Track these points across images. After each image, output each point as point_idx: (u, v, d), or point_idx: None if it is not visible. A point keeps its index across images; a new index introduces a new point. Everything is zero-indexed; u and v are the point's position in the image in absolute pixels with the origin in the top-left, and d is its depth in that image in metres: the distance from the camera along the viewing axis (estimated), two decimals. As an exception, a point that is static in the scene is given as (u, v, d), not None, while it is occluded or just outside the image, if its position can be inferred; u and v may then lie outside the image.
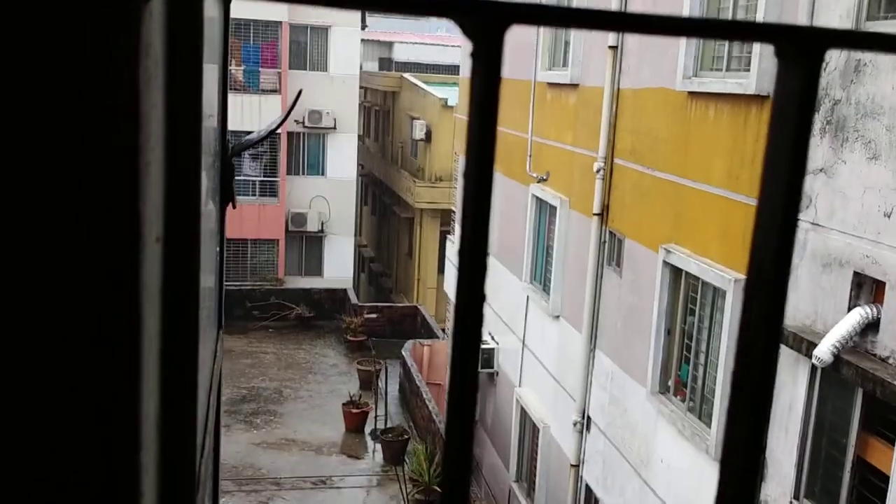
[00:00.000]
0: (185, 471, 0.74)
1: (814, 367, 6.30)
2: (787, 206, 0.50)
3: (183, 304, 0.63)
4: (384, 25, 43.79)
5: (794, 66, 0.49)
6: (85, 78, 0.42)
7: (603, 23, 0.47)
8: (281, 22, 25.05)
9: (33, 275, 0.44)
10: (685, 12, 8.36)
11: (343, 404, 17.67)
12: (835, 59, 6.33)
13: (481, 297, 0.48)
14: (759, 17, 7.17)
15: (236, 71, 25.03)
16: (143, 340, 0.49)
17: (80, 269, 0.44)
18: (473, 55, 0.48)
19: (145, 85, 0.46)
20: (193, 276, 0.67)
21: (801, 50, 0.49)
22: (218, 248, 1.55)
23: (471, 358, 0.50)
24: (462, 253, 0.48)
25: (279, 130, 25.00)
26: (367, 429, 17.53)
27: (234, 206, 1.62)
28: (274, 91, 25.21)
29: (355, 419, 17.46)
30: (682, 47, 8.39)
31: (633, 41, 9.73)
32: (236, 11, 25.44)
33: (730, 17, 7.90)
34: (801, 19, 6.62)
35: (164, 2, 0.54)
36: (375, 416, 17.36)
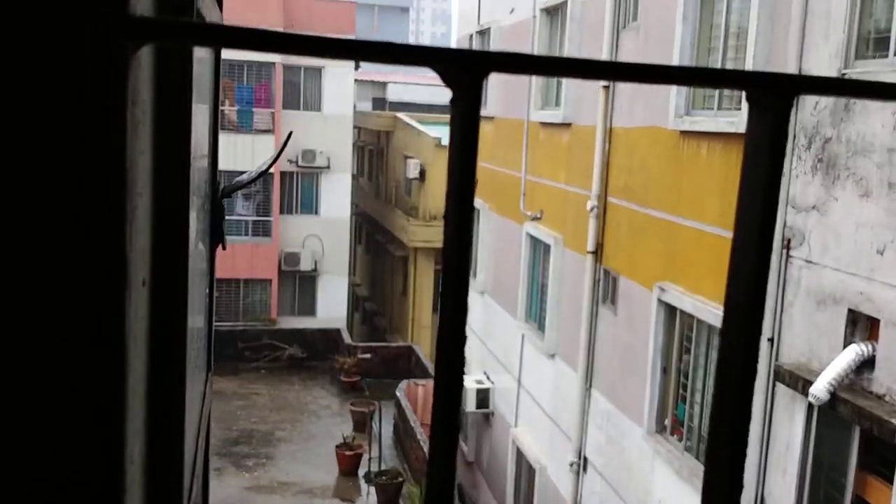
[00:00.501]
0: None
1: (810, 406, 6.28)
2: (760, 247, 0.52)
3: (170, 348, 0.64)
4: (378, 66, 44.27)
5: (763, 111, 0.50)
6: (72, 125, 0.43)
7: (577, 71, 0.48)
8: (274, 63, 25.31)
9: (15, 317, 0.44)
10: (675, 53, 8.49)
11: (336, 446, 17.48)
12: (824, 97, 6.43)
13: (462, 336, 0.49)
14: (749, 56, 7.28)
15: (230, 111, 25.22)
16: (128, 384, 0.49)
17: (64, 311, 0.45)
18: (452, 102, 0.49)
19: (132, 132, 0.47)
20: (181, 319, 0.67)
21: (771, 96, 0.51)
22: (207, 290, 1.56)
23: (453, 404, 0.50)
24: (444, 295, 0.48)
25: (272, 170, 25.11)
26: (361, 471, 17.32)
27: (223, 248, 1.62)
28: (268, 131, 25.37)
29: (349, 462, 17.26)
30: (674, 87, 8.50)
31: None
32: (230, 53, 25.74)
33: (720, 55, 8.02)
34: (791, 58, 6.73)
35: (153, 52, 0.56)
36: (369, 459, 17.16)
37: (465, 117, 0.48)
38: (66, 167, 0.43)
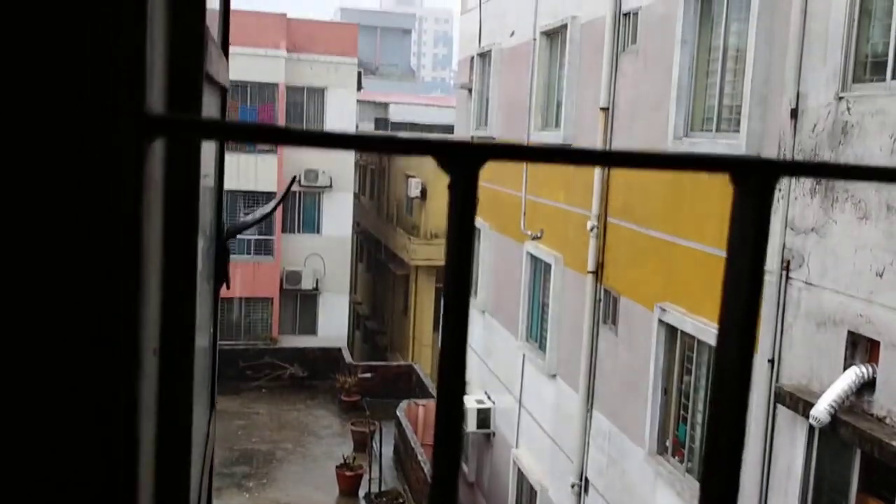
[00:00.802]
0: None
1: (811, 428, 6.27)
2: (745, 324, 0.54)
3: (177, 414, 0.66)
4: (380, 87, 44.53)
5: (748, 194, 0.53)
6: (89, 210, 0.45)
7: (571, 158, 0.50)
8: (278, 84, 25.46)
9: (31, 395, 0.46)
10: (674, 76, 8.54)
11: (337, 467, 17.41)
12: (822, 120, 6.47)
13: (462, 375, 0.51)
14: (747, 79, 7.33)
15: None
16: (140, 453, 0.52)
17: (77, 386, 0.47)
18: (450, 187, 0.51)
19: (147, 215, 0.49)
20: (187, 381, 0.69)
21: (754, 179, 0.53)
22: (212, 330, 1.58)
23: (454, 428, 0.52)
24: (441, 376, 0.50)
25: (274, 188, 25.18)
26: (362, 492, 17.24)
27: (227, 287, 1.64)
28: (270, 151, 25.47)
29: (349, 482, 17.18)
30: (673, 107, 8.56)
31: (624, 102, 9.92)
32: (232, 73, 25.82)
33: (718, 77, 8.07)
34: (789, 81, 6.78)
35: (166, 140, 0.58)
36: (370, 479, 17.09)
37: (463, 202, 0.50)
38: (83, 253, 0.46)
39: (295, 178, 3.23)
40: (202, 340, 1.31)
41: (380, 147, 0.49)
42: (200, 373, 1.21)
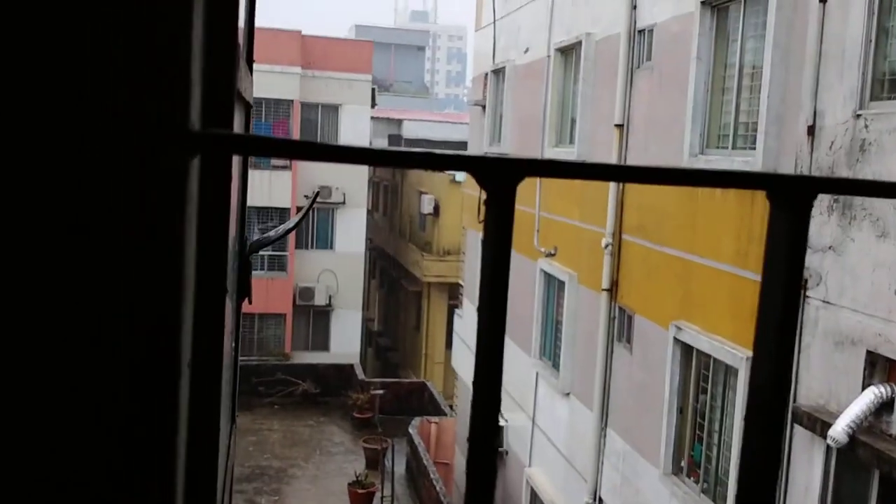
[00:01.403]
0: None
1: (829, 448, 6.20)
2: (781, 344, 0.53)
3: (206, 427, 0.66)
4: (394, 103, 44.75)
5: (784, 210, 0.53)
6: (136, 225, 0.46)
7: (607, 175, 0.51)
8: (293, 100, 25.63)
9: (81, 407, 0.47)
10: (690, 93, 8.54)
11: (349, 484, 17.35)
12: (839, 137, 6.44)
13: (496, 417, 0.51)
14: (763, 96, 7.32)
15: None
16: (177, 466, 0.52)
17: (121, 398, 0.47)
18: (487, 202, 0.52)
19: (188, 229, 0.50)
20: (216, 397, 0.70)
21: (791, 196, 0.53)
22: (234, 344, 1.58)
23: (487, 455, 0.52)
24: (476, 389, 0.50)
25: (288, 205, 25.29)
26: (374, 509, 17.16)
27: (250, 302, 1.65)
28: (285, 167, 25.61)
29: (361, 500, 17.11)
30: (688, 125, 8.55)
31: (639, 119, 9.92)
32: (250, 91, 25.85)
33: (734, 95, 8.06)
34: (805, 98, 6.76)
35: (202, 156, 0.59)
36: (382, 497, 17.01)
37: (500, 217, 0.51)
38: (129, 269, 0.46)
39: (318, 192, 3.25)
40: (226, 356, 1.32)
41: (417, 163, 0.50)
42: (224, 387, 1.22)
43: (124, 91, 0.45)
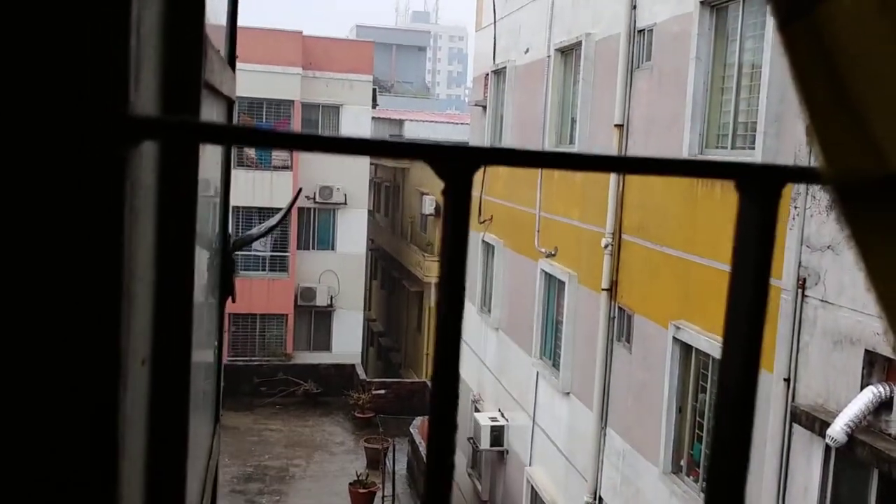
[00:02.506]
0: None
1: (828, 447, 6.18)
2: (750, 338, 0.52)
3: (171, 426, 0.65)
4: (395, 104, 44.76)
5: (753, 200, 0.51)
6: (69, 221, 0.44)
7: (567, 164, 0.49)
8: (293, 101, 25.62)
9: (8, 399, 0.45)
10: (689, 93, 8.52)
11: (350, 484, 17.35)
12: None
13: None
14: (763, 95, 7.30)
15: (249, 148, 25.49)
16: (123, 464, 0.50)
17: (57, 397, 0.46)
18: (444, 193, 0.50)
19: (133, 221, 0.48)
20: (182, 396, 0.68)
21: (759, 185, 0.51)
22: (216, 343, 1.57)
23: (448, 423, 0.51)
24: (434, 384, 0.49)
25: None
26: (375, 509, 17.15)
27: (233, 301, 1.64)
28: (285, 168, 25.61)
29: (362, 499, 17.11)
30: (688, 124, 8.53)
31: (638, 118, 9.90)
32: (249, 90, 25.89)
33: (733, 94, 8.04)
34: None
35: (161, 146, 0.57)
36: (383, 497, 17.01)
37: (456, 208, 0.49)
38: (63, 262, 0.45)
39: (300, 190, 3.24)
40: (205, 354, 1.30)
41: (371, 150, 0.48)
42: (202, 386, 1.20)
43: (53, 73, 0.43)
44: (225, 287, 1.50)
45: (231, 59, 1.60)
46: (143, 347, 0.57)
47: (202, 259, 1.22)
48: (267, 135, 0.45)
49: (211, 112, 1.19)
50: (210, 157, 1.33)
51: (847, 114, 0.49)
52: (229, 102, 1.51)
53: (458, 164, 0.48)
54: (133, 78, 0.45)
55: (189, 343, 0.70)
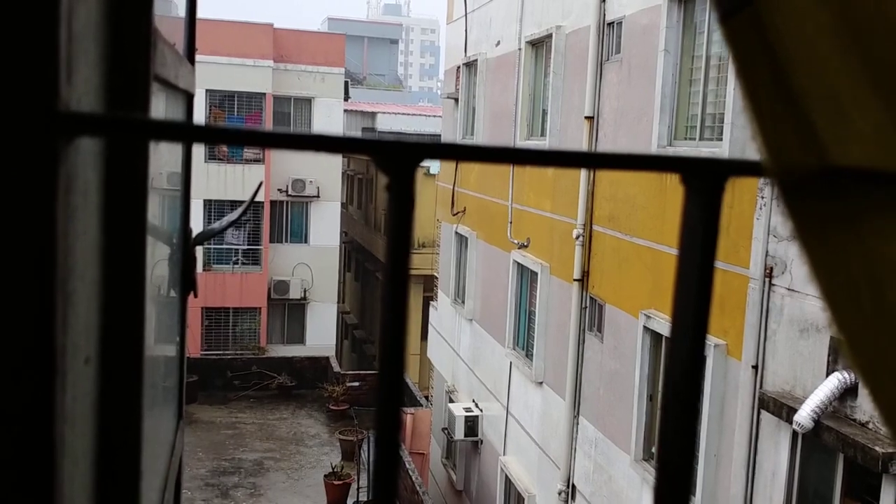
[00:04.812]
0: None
1: (795, 433, 6.28)
2: (696, 327, 0.52)
3: (122, 424, 0.64)
4: (368, 96, 44.57)
5: (697, 194, 0.52)
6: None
7: (505, 158, 0.49)
8: (265, 93, 25.42)
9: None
10: (658, 85, 8.58)
11: (325, 476, 17.33)
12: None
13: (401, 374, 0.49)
14: (730, 87, 7.36)
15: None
16: (63, 469, 0.49)
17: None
18: (388, 188, 0.50)
19: (67, 219, 0.47)
20: (133, 391, 0.67)
21: (704, 179, 0.52)
22: (178, 338, 1.55)
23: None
24: (379, 381, 0.49)
25: (262, 199, 25.12)
26: (350, 501, 17.16)
27: (195, 296, 1.62)
28: (257, 161, 25.41)
29: (337, 491, 17.10)
30: (657, 116, 8.59)
31: (609, 111, 9.95)
32: (220, 83, 25.58)
33: (701, 86, 8.11)
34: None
35: (105, 142, 0.56)
36: (358, 488, 17.02)
37: (400, 202, 0.49)
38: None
39: (261, 183, 3.22)
40: (163, 349, 1.29)
41: (315, 146, 0.48)
42: (161, 382, 1.19)
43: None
44: (186, 282, 1.49)
45: (190, 53, 1.58)
46: (86, 345, 0.56)
47: (161, 253, 1.20)
48: (207, 130, 0.45)
49: (167, 107, 1.17)
50: (169, 150, 1.31)
51: (789, 107, 0.49)
52: (188, 97, 1.50)
53: (399, 159, 0.47)
54: (65, 72, 0.44)
55: (141, 340, 0.69)
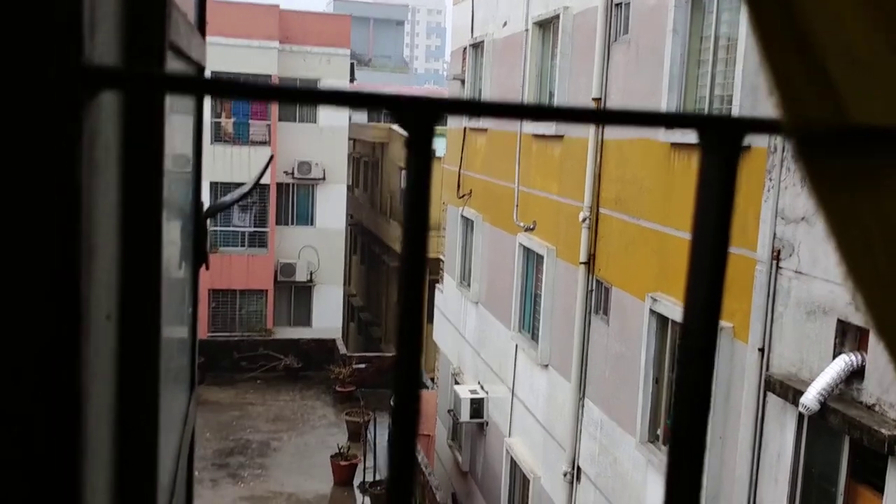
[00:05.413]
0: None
1: (801, 416, 6.29)
2: (711, 292, 0.53)
3: (140, 378, 0.65)
4: (373, 78, 44.42)
5: (714, 152, 0.52)
6: (24, 174, 0.44)
7: (523, 114, 0.49)
8: (271, 75, 25.36)
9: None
10: (666, 65, 8.53)
11: (331, 456, 17.45)
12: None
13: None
14: (738, 68, 7.32)
15: (227, 123, 25.25)
16: (88, 418, 0.50)
17: (17, 353, 0.46)
18: (407, 144, 0.50)
19: (92, 175, 0.48)
20: (152, 350, 0.68)
21: (721, 137, 0.52)
22: (191, 309, 1.57)
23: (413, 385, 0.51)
24: (399, 332, 0.49)
25: (268, 182, 25.13)
26: (356, 481, 17.28)
27: (206, 268, 1.63)
28: (263, 143, 25.40)
29: (344, 472, 17.22)
30: (664, 97, 8.55)
31: (616, 92, 9.90)
32: (225, 65, 25.56)
33: (710, 67, 8.06)
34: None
35: (123, 101, 0.57)
36: (364, 469, 17.13)
37: (419, 159, 0.49)
38: (16, 215, 0.44)
39: (272, 156, 3.23)
40: (179, 319, 1.30)
41: (333, 101, 0.48)
42: (176, 349, 1.20)
43: (5, 23, 0.43)
44: (198, 254, 1.50)
45: (201, 26, 1.58)
46: (106, 302, 0.57)
47: (174, 225, 1.21)
48: (228, 85, 0.45)
49: (178, 71, 1.18)
50: (181, 123, 1.32)
51: (807, 63, 0.49)
52: (199, 69, 1.50)
53: (419, 114, 0.48)
54: (88, 29, 0.45)
55: (158, 300, 0.70)
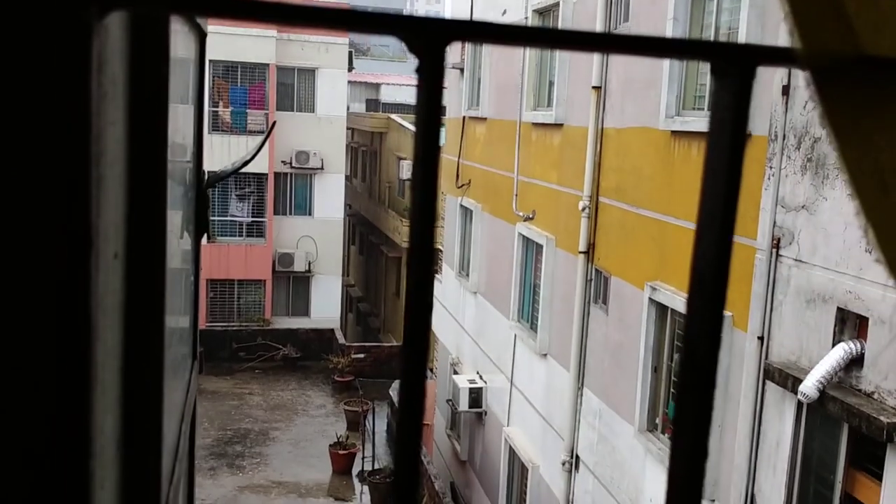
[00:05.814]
0: (149, 490, 0.74)
1: (800, 404, 6.30)
2: (723, 224, 0.52)
3: (147, 318, 0.64)
4: (372, 67, 44.31)
5: (727, 81, 0.51)
6: (32, 94, 0.43)
7: (535, 39, 0.49)
8: (268, 64, 25.29)
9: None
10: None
11: (330, 445, 17.48)
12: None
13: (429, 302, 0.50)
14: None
15: (224, 112, 25.18)
16: (97, 353, 0.50)
17: (27, 278, 0.45)
18: (418, 70, 0.50)
19: (99, 101, 0.47)
20: (159, 291, 0.68)
21: (734, 66, 0.51)
22: (193, 278, 1.56)
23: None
24: (410, 264, 0.49)
25: (266, 171, 25.08)
26: (355, 470, 17.32)
27: (209, 239, 1.62)
28: (261, 132, 25.32)
29: (342, 461, 17.26)
30: (665, 87, 8.53)
31: (616, 81, 9.88)
32: (224, 54, 25.46)
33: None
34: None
35: (126, 23, 0.56)
36: (363, 458, 17.16)
37: (429, 85, 0.49)
38: (27, 136, 0.44)
39: (274, 123, 3.23)
40: (182, 284, 1.29)
41: (340, 23, 0.47)
42: (180, 314, 1.20)
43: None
44: (200, 222, 1.49)
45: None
46: (115, 240, 0.56)
47: (177, 190, 1.20)
48: (225, 2, 0.44)
49: (186, 43, 1.17)
50: (181, 107, 1.31)
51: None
52: (202, 36, 1.49)
53: (430, 37, 0.47)
54: None
55: (164, 239, 0.69)
